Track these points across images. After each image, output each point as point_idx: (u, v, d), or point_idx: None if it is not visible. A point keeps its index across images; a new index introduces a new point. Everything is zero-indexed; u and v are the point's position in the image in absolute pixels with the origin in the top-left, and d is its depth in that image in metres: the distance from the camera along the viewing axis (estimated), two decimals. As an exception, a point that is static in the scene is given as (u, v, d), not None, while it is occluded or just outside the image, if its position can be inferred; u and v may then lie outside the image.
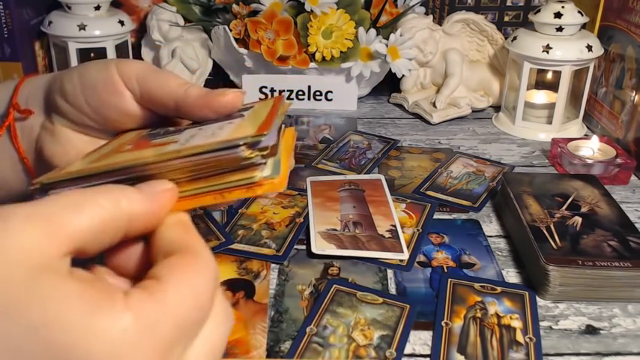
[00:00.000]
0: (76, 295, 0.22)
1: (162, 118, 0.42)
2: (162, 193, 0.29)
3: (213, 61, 0.94)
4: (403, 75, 0.88)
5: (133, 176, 0.31)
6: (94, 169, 0.32)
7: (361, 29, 0.85)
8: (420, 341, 0.45)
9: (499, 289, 0.50)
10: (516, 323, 0.46)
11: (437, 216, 0.62)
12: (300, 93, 0.90)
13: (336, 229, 0.57)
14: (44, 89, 0.43)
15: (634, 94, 0.75)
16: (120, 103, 0.40)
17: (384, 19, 0.91)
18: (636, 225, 0.55)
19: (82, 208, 0.25)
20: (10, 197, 0.47)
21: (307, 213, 0.60)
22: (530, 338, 0.45)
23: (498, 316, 0.47)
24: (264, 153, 0.31)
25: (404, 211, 0.62)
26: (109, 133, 0.43)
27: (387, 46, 0.85)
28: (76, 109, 0.41)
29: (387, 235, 0.56)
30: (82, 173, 0.32)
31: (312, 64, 0.86)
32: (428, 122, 0.87)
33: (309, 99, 0.90)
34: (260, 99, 0.45)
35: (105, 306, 0.22)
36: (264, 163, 0.31)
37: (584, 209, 0.57)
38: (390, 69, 0.87)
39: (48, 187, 0.33)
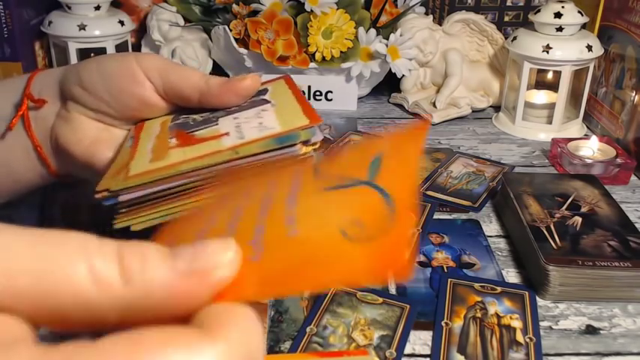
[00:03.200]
0: None
1: (179, 108, 0.44)
2: (212, 273, 0.19)
3: (213, 61, 0.94)
4: (403, 75, 0.88)
5: (197, 179, 0.32)
6: (162, 174, 0.33)
7: (361, 29, 0.85)
8: (420, 341, 0.45)
9: (499, 289, 0.50)
10: (516, 323, 0.46)
11: (437, 216, 0.62)
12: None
13: (336, 229, 0.57)
14: (58, 80, 0.44)
15: (634, 94, 0.75)
16: (140, 92, 0.42)
17: (384, 19, 0.91)
18: (636, 225, 0.55)
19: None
20: (15, 187, 0.48)
21: (307, 213, 0.60)
22: (530, 338, 0.45)
23: (498, 316, 0.47)
24: (316, 147, 0.32)
25: (404, 211, 0.62)
26: (124, 121, 0.44)
27: (387, 46, 0.85)
28: (94, 97, 0.42)
29: (387, 235, 0.56)
30: (151, 178, 0.33)
31: (312, 64, 0.86)
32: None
33: (309, 99, 0.90)
34: (266, 81, 0.46)
35: None
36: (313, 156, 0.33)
37: (584, 209, 0.57)
38: (390, 69, 0.87)
39: (116, 194, 0.33)
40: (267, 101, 0.40)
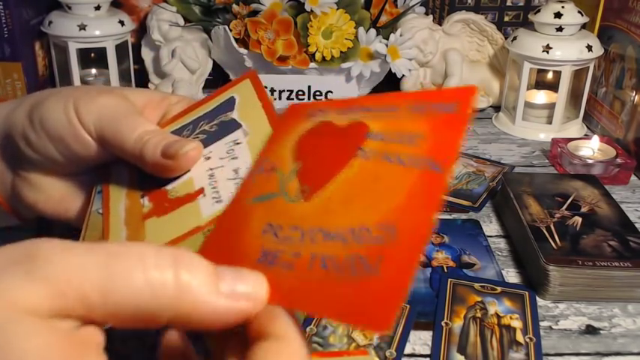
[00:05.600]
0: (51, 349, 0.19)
1: None
2: (249, 297, 0.23)
3: (213, 61, 0.94)
4: (403, 75, 0.88)
5: None
6: None
7: (361, 29, 0.85)
8: (420, 341, 0.45)
9: (499, 289, 0.50)
10: (516, 323, 0.46)
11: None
12: (300, 93, 0.90)
13: (336, 229, 0.57)
14: (3, 133, 0.38)
15: (634, 94, 0.75)
16: (87, 153, 0.36)
17: (384, 19, 0.91)
18: (636, 225, 0.55)
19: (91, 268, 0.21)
20: None
21: (307, 213, 0.60)
22: (530, 338, 0.45)
23: (498, 316, 0.47)
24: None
25: (404, 211, 0.62)
26: (88, 175, 0.39)
27: (387, 46, 0.85)
28: (49, 160, 0.37)
29: (387, 235, 0.56)
30: None
31: (312, 64, 0.86)
32: (428, 122, 0.86)
33: (309, 99, 0.90)
34: (230, 83, 0.40)
35: None
36: None
37: (584, 209, 0.57)
38: (390, 69, 0.87)
39: None
40: (237, 124, 0.36)
